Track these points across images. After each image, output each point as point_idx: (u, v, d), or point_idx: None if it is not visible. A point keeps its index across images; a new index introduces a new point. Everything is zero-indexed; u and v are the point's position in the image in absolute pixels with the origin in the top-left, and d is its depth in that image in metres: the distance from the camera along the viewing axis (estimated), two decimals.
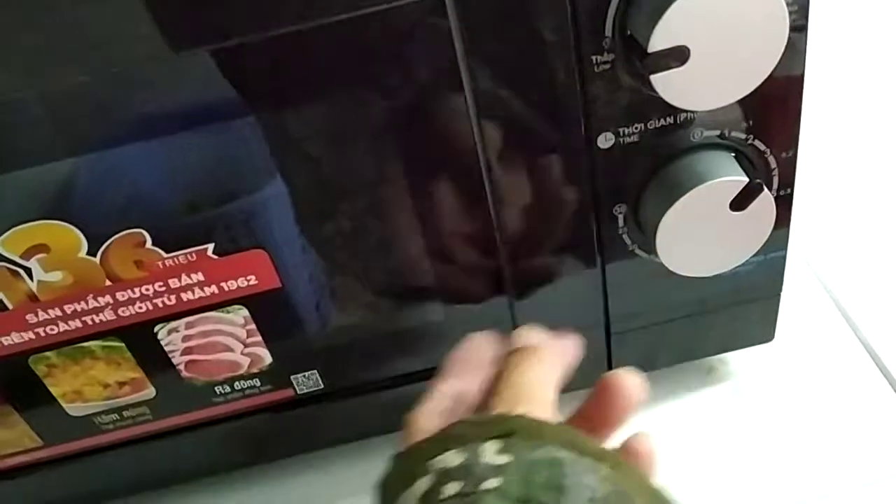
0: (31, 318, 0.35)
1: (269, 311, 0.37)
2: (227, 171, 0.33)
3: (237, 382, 0.40)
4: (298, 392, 0.41)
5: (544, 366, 0.31)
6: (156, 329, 0.37)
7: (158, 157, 0.32)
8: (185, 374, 0.39)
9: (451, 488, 0.25)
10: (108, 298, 0.35)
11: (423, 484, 0.26)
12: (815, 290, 0.51)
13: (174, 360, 0.38)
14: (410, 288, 0.39)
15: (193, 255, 0.35)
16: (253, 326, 0.38)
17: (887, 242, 0.52)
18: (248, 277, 0.36)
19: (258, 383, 0.40)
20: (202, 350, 0.38)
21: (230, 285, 0.36)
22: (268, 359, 0.39)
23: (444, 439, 0.28)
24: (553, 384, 0.31)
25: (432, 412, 0.32)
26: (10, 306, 0.35)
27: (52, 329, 0.36)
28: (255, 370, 0.40)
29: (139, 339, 0.37)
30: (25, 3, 0.27)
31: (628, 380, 0.32)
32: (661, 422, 0.45)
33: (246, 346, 0.38)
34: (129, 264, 0.34)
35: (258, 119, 0.32)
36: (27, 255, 0.33)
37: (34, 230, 0.33)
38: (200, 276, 0.35)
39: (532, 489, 0.25)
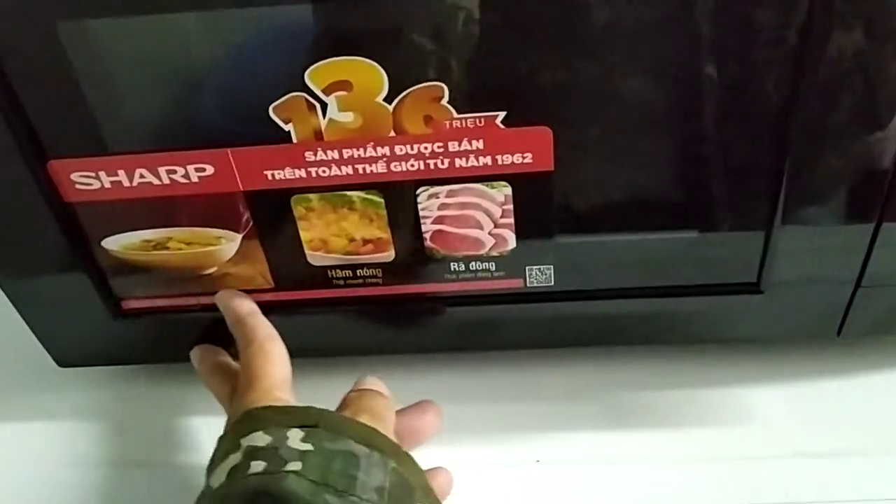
0: (309, 155, 0.36)
1: (531, 194, 0.37)
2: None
3: (473, 263, 0.40)
4: (528, 285, 0.41)
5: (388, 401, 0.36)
6: (418, 191, 0.37)
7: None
8: (428, 243, 0.39)
9: (257, 466, 0.29)
10: (385, 150, 0.35)
11: (233, 459, 0.30)
12: None
13: (423, 228, 0.38)
14: (671, 201, 0.38)
15: (482, 120, 0.34)
16: (510, 207, 0.37)
17: None
18: (525, 154, 0.35)
19: (493, 267, 0.40)
20: (454, 222, 0.38)
21: (505, 159, 0.36)
22: (511, 244, 0.39)
23: (255, 418, 0.32)
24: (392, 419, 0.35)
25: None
26: (295, 139, 0.35)
27: (323, 171, 0.36)
28: (494, 253, 0.39)
29: (399, 198, 0.37)
30: None
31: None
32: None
33: (496, 226, 0.38)
34: (419, 118, 0.34)
35: None
36: (330, 89, 0.33)
37: (344, 65, 0.33)
38: (480, 144, 0.35)
39: (328, 475, 0.29)
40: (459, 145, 0.35)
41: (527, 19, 0.31)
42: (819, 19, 0.30)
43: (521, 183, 0.36)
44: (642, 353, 0.46)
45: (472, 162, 0.36)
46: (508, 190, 0.37)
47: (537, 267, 0.40)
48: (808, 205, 0.37)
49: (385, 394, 0.37)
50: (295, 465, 0.29)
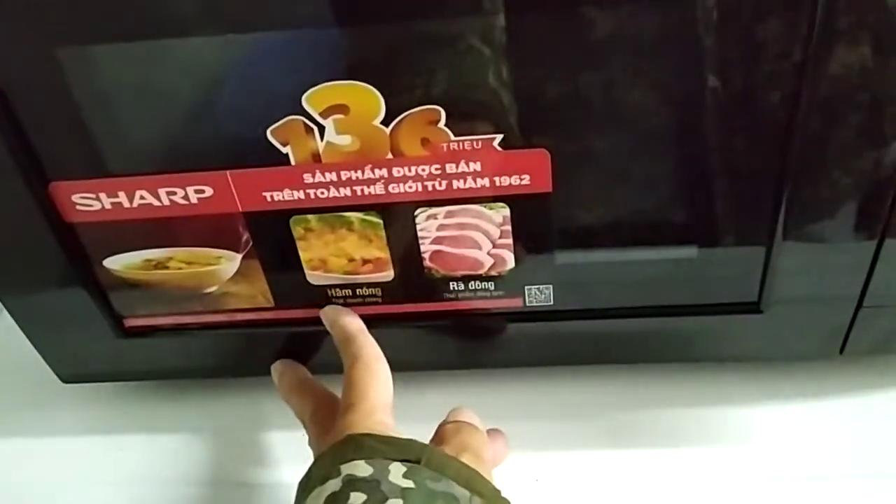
0: (307, 177, 0.36)
1: (529, 216, 0.37)
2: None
3: (472, 282, 0.40)
4: (527, 304, 0.41)
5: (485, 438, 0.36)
6: (416, 212, 0.37)
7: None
8: (427, 263, 0.39)
9: (357, 498, 0.28)
10: (383, 172, 0.35)
11: (332, 486, 0.30)
12: None
13: (422, 248, 0.38)
14: (670, 220, 0.38)
15: (479, 143, 0.34)
16: (508, 228, 0.37)
17: None
18: (523, 176, 0.35)
19: (492, 287, 0.40)
20: (452, 242, 0.38)
21: (503, 181, 0.36)
22: (510, 264, 0.39)
23: (357, 446, 0.31)
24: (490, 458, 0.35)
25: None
26: (293, 162, 0.35)
27: (322, 192, 0.36)
28: (493, 273, 0.39)
29: (397, 219, 0.37)
30: None
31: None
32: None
33: (494, 246, 0.38)
34: (416, 141, 0.34)
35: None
36: (327, 112, 0.33)
37: (341, 89, 0.33)
38: (478, 167, 0.35)
39: None
40: (457, 167, 0.35)
41: (523, 43, 0.32)
42: (821, 35, 0.30)
43: (520, 204, 0.36)
44: (643, 372, 0.46)
45: (470, 184, 0.36)
46: (507, 211, 0.37)
47: (536, 286, 0.40)
48: (809, 222, 0.36)
49: (481, 428, 0.36)
50: (395, 503, 0.28)
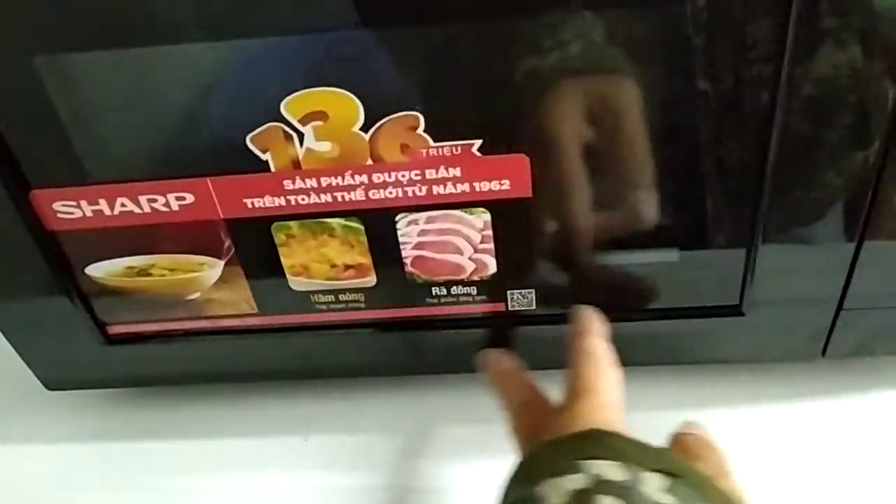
0: (288, 184, 0.36)
1: (510, 220, 0.37)
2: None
3: (455, 287, 0.40)
4: (510, 308, 0.41)
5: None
6: (397, 217, 0.37)
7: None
8: (409, 268, 0.39)
9: (609, 503, 0.25)
10: (364, 178, 0.36)
11: (575, 481, 0.26)
12: None
13: (403, 253, 0.39)
14: (651, 224, 0.38)
15: (458, 148, 0.34)
16: (489, 233, 0.37)
17: None
18: (503, 182, 0.35)
19: (474, 291, 0.40)
20: (433, 247, 0.38)
21: (483, 186, 0.36)
22: (492, 268, 0.39)
23: (603, 444, 0.28)
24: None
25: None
26: (273, 168, 0.35)
27: (303, 199, 0.36)
28: (476, 277, 0.40)
29: (379, 225, 0.37)
30: None
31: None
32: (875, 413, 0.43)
33: (476, 251, 0.38)
34: (395, 147, 0.34)
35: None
36: (306, 119, 0.34)
37: (319, 95, 0.33)
38: (458, 172, 0.35)
39: None
40: (437, 173, 0.35)
41: (499, 48, 0.32)
42: (801, 38, 0.30)
43: (500, 209, 0.37)
44: (627, 375, 0.46)
45: (450, 189, 0.36)
46: (487, 216, 0.37)
47: (519, 291, 0.40)
48: (789, 225, 0.37)
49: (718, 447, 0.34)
50: None
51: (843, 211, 0.36)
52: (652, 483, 0.26)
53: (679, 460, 0.28)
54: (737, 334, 0.41)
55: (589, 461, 0.27)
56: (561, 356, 0.43)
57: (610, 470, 0.27)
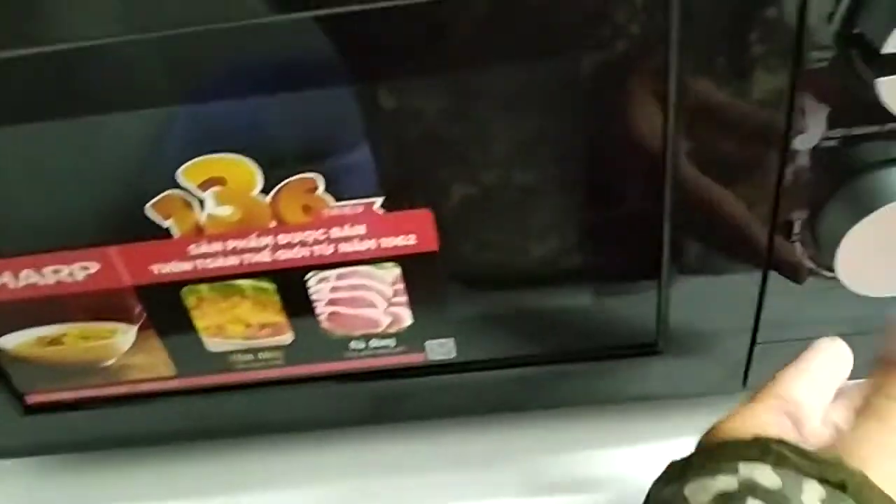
0: (193, 249, 0.36)
1: (420, 274, 0.37)
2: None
3: (372, 340, 0.40)
4: (429, 358, 0.41)
5: None
6: (307, 276, 0.37)
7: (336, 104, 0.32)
8: (324, 324, 0.39)
9: None
10: (269, 240, 0.35)
11: (724, 482, 0.25)
12: None
13: (317, 310, 0.38)
14: (561, 269, 0.38)
15: (361, 207, 0.34)
16: (401, 286, 0.37)
17: None
18: (409, 237, 0.36)
19: (392, 343, 0.40)
20: (347, 303, 0.38)
21: (389, 242, 0.36)
22: (408, 320, 0.39)
23: (765, 449, 0.26)
24: None
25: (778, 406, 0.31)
26: (176, 234, 0.35)
27: (209, 263, 0.36)
28: (392, 330, 0.40)
29: (289, 284, 0.37)
30: None
31: None
32: None
33: (390, 304, 0.38)
34: (297, 209, 0.34)
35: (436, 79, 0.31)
36: (204, 185, 0.33)
37: (217, 162, 0.33)
38: (362, 230, 0.35)
39: None
40: (342, 231, 0.35)
41: (394, 107, 0.32)
42: (679, 65, 0.30)
43: (409, 263, 0.37)
44: (553, 417, 0.46)
45: (357, 247, 0.36)
46: (397, 270, 0.37)
47: (437, 341, 0.40)
48: (694, 261, 0.37)
49: None
50: None
51: (744, 244, 0.36)
52: (811, 493, 0.24)
53: (847, 469, 0.26)
54: (656, 372, 0.41)
55: (747, 463, 0.26)
56: (487, 401, 0.44)
57: (766, 476, 0.25)
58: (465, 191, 0.35)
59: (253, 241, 0.35)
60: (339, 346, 0.40)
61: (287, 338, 0.40)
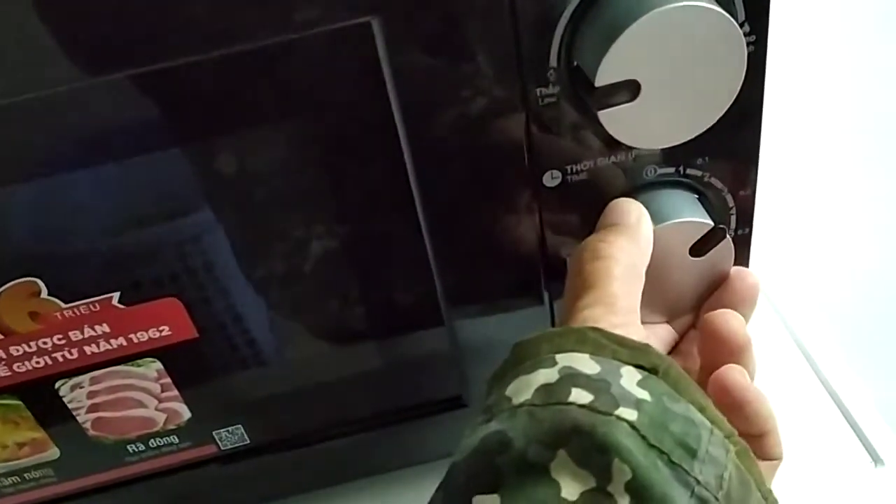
0: None
1: (185, 364, 0.34)
2: (138, 208, 0.30)
3: (152, 440, 0.36)
4: (222, 448, 0.38)
5: None
6: (57, 385, 0.33)
7: (56, 196, 0.29)
8: (91, 432, 0.35)
9: (582, 396, 0.23)
10: (0, 353, 0.31)
11: (545, 375, 0.24)
12: (778, 332, 0.49)
13: (79, 419, 0.35)
14: (345, 336, 0.36)
15: (97, 304, 0.31)
16: (168, 380, 0.34)
17: (850, 279, 0.51)
18: (161, 328, 0.32)
19: (176, 440, 0.37)
20: (111, 406, 0.35)
21: (140, 336, 0.32)
22: (186, 414, 0.36)
23: (581, 338, 0.26)
24: None
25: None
26: None
27: None
28: (171, 426, 0.36)
29: (38, 397, 0.33)
30: None
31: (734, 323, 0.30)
32: None
33: (161, 400, 0.35)
34: (24, 316, 0.31)
35: (178, 151, 0.29)
36: None
37: None
38: (106, 328, 0.32)
39: (665, 440, 0.23)
40: (82, 333, 0.32)
41: (100, 196, 0.29)
42: (405, 126, 0.29)
43: (170, 355, 0.33)
44: (390, 481, 0.43)
45: (105, 346, 0.32)
46: (158, 364, 0.33)
47: (225, 429, 0.37)
48: (473, 305, 0.35)
49: None
50: (629, 413, 0.23)
51: (518, 274, 0.34)
52: (629, 378, 0.24)
53: (657, 354, 0.26)
54: (467, 425, 0.40)
55: (563, 354, 0.25)
56: (301, 479, 0.41)
57: (585, 363, 0.25)
58: (212, 273, 0.32)
59: None
60: (115, 451, 0.36)
61: (53, 453, 0.36)
